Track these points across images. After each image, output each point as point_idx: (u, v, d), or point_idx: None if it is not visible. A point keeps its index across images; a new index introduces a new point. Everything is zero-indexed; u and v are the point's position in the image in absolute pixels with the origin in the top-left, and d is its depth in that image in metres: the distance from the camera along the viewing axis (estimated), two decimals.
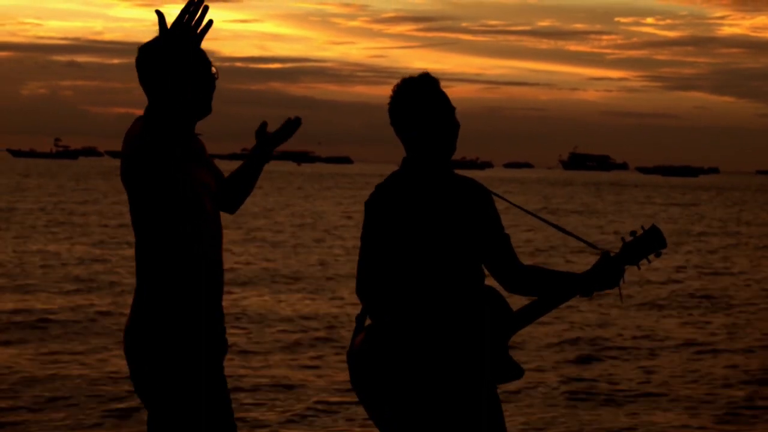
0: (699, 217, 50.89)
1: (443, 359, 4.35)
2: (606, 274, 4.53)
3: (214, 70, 4.32)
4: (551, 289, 4.52)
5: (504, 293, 4.50)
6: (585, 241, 4.74)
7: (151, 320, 4.23)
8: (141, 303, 4.27)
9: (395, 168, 4.54)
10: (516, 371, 4.48)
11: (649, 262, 4.63)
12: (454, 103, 4.48)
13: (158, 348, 4.22)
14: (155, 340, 4.22)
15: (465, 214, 4.43)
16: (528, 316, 4.53)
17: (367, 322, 4.51)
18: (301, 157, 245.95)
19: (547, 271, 4.55)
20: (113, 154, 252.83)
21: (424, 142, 4.42)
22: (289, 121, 4.73)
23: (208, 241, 4.29)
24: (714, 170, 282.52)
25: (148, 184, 4.17)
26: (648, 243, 4.60)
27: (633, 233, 4.61)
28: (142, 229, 4.25)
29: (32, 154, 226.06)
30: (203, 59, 4.29)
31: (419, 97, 4.42)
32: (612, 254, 4.58)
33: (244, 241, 29.62)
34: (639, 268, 4.68)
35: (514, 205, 4.78)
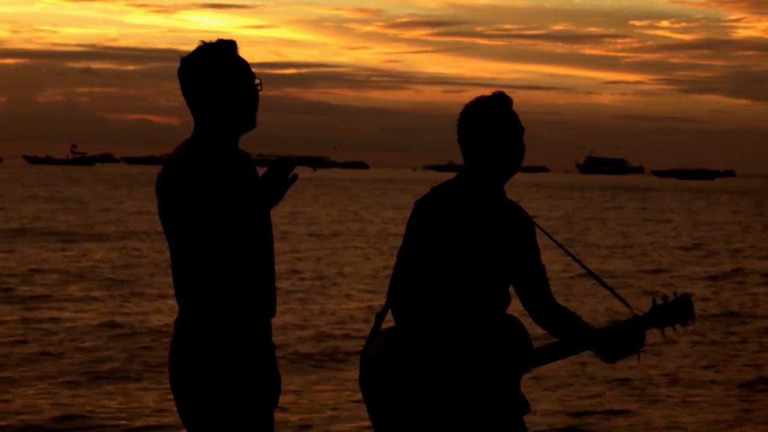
0: None
1: (459, 379, 4.32)
2: (630, 336, 4.49)
3: (257, 81, 4.18)
4: (573, 332, 4.49)
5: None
6: (619, 297, 4.68)
7: (196, 344, 4.08)
8: (184, 326, 4.12)
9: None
10: (522, 406, 4.44)
11: (674, 330, 4.60)
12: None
13: (205, 374, 4.07)
14: (202, 366, 4.07)
15: (508, 237, 4.44)
16: (545, 355, 4.49)
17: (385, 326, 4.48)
18: (317, 163, 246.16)
19: (574, 317, 4.54)
20: (129, 161, 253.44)
21: (488, 161, 4.40)
22: (281, 163, 4.12)
23: (252, 260, 4.11)
24: (730, 173, 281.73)
25: (191, 200, 3.99)
26: (678, 312, 4.57)
27: (665, 297, 4.58)
28: (181, 248, 4.08)
29: (48, 160, 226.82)
30: (246, 70, 4.17)
31: (489, 116, 4.39)
32: (640, 314, 4.56)
33: None
34: (663, 335, 4.63)
35: (558, 244, 4.77)
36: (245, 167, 4.20)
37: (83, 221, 38.69)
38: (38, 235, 31.61)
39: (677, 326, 4.58)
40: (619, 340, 4.48)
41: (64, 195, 62.30)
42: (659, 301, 4.58)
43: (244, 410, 4.09)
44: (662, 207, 67.47)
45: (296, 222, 41.66)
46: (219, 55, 4.13)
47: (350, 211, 52.86)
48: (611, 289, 4.68)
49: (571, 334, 4.50)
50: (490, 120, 4.39)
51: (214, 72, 4.11)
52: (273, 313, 4.25)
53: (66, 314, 16.29)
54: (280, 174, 4.06)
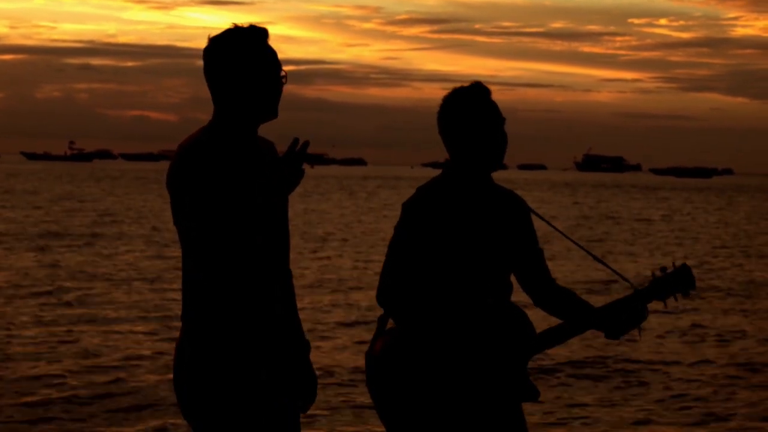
0: None
1: (466, 371, 4.32)
2: (633, 309, 4.52)
3: (283, 73, 4.09)
4: (576, 313, 4.52)
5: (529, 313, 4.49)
6: (619, 274, 4.73)
7: (202, 340, 3.96)
8: (189, 321, 4.00)
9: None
10: (532, 393, 4.45)
11: (676, 300, 4.64)
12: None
13: (208, 370, 3.95)
14: (206, 362, 3.95)
15: (503, 225, 4.45)
16: (550, 340, 4.51)
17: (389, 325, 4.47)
18: (315, 159, 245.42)
19: (576, 297, 4.57)
20: (127, 157, 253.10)
21: (470, 152, 4.41)
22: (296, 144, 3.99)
23: (276, 253, 4.03)
24: (728, 171, 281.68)
25: (200, 192, 3.86)
26: (678, 281, 4.61)
27: (663, 269, 4.62)
28: (189, 240, 3.95)
29: (46, 156, 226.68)
30: (274, 60, 4.06)
31: (467, 107, 4.40)
32: (641, 288, 4.60)
33: None
34: (665, 305, 4.70)
35: (554, 227, 4.78)
36: (263, 157, 4.06)
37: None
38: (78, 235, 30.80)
39: (679, 296, 4.62)
40: (621, 316, 4.52)
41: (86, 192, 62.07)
42: (658, 274, 4.62)
43: (245, 409, 3.97)
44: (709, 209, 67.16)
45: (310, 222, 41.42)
46: (249, 40, 4.03)
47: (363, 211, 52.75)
48: (610, 267, 4.72)
49: (574, 315, 4.53)
50: (471, 111, 4.40)
51: (242, 57, 4.00)
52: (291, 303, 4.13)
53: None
54: (298, 154, 3.92)
